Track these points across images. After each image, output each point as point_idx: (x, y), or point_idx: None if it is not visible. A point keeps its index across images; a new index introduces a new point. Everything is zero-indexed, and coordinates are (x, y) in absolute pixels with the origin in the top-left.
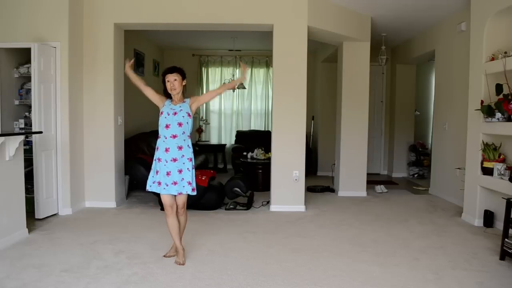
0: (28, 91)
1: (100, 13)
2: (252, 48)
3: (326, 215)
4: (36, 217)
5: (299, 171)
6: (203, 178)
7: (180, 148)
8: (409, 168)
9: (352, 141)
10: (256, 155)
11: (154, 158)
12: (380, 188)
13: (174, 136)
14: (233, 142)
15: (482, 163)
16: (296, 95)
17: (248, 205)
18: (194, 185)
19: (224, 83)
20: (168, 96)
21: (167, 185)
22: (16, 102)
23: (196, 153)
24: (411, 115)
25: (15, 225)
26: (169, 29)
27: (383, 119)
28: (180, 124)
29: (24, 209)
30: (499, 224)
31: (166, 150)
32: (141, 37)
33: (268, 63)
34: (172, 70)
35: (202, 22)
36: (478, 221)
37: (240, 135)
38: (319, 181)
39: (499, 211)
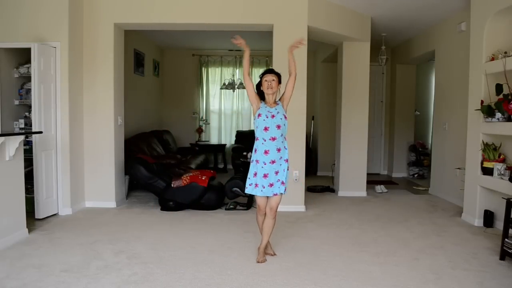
0: (28, 91)
1: (100, 13)
2: (252, 48)
3: (326, 215)
4: (36, 217)
5: (299, 171)
6: (203, 178)
7: (278, 150)
8: (409, 168)
9: (352, 141)
10: None
11: (251, 159)
12: (380, 188)
13: (273, 139)
14: (233, 142)
15: (482, 163)
16: (296, 95)
17: (248, 205)
18: (287, 184)
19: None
20: (261, 98)
21: (264, 187)
22: (16, 102)
23: (196, 153)
24: (411, 115)
25: (15, 225)
26: (169, 29)
27: (383, 119)
28: (278, 127)
29: (24, 209)
30: (499, 224)
31: (266, 152)
32: (141, 37)
33: (268, 63)
34: (271, 71)
35: (202, 22)
36: (478, 221)
37: (240, 135)
38: (319, 181)
39: (499, 211)
